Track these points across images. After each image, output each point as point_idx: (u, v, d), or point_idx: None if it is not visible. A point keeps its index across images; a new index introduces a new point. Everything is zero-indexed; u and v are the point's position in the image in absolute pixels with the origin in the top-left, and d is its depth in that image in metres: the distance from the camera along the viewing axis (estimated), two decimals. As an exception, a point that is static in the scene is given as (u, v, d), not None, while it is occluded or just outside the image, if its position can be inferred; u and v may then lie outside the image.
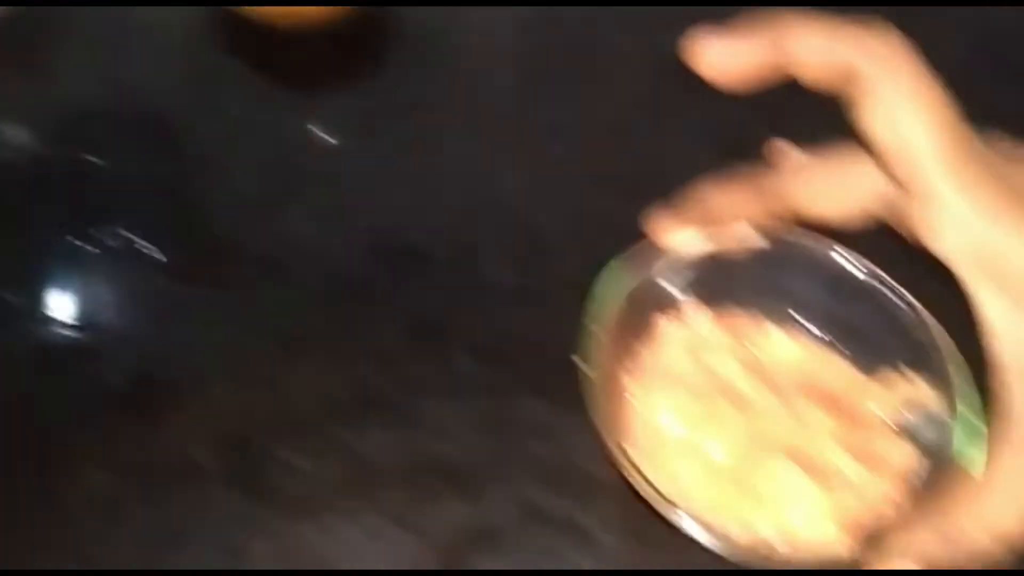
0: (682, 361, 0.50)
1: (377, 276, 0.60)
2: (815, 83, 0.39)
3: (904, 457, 0.46)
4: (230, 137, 0.67)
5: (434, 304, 0.58)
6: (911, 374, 0.48)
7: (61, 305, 0.57)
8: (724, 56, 0.39)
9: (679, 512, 0.42)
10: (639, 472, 0.43)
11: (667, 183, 0.63)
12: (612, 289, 0.48)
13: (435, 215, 0.64)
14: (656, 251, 0.49)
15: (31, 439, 0.52)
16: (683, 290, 0.51)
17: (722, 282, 0.52)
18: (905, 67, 0.37)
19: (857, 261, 0.50)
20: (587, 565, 0.47)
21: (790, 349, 0.51)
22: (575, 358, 0.46)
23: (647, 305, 0.51)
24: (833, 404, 0.49)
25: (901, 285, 0.49)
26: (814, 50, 0.38)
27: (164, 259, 0.59)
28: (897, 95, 0.37)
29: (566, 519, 0.49)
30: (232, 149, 0.66)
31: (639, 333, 0.51)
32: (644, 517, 0.47)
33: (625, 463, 0.43)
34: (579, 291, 0.55)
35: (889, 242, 0.52)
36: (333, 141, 0.68)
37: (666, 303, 0.51)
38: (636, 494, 0.43)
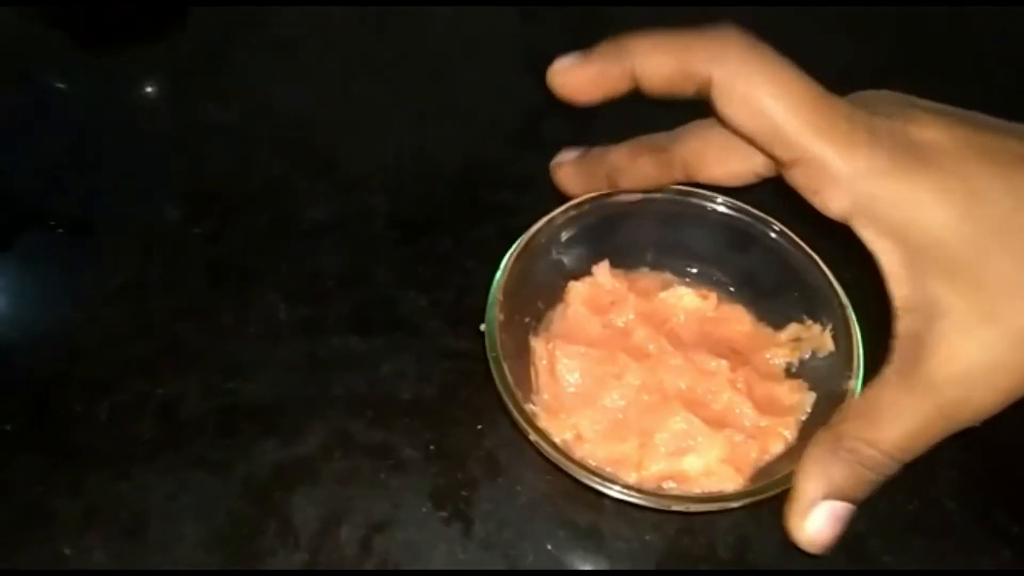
0: (586, 319, 0.51)
1: (183, 225, 0.60)
2: (666, 95, 0.41)
3: (798, 399, 0.48)
4: (35, 103, 0.67)
5: (242, 248, 0.58)
6: (808, 321, 0.50)
7: None
8: (577, 79, 0.43)
9: (576, 467, 0.43)
10: (537, 430, 0.44)
11: (481, 116, 0.68)
12: (516, 257, 0.49)
13: (242, 160, 0.64)
14: (560, 219, 0.51)
15: None
16: (587, 253, 0.53)
17: (628, 244, 0.53)
18: (753, 58, 0.38)
19: (754, 215, 0.51)
20: (396, 484, 0.48)
21: (693, 302, 0.52)
22: (481, 328, 0.47)
23: (554, 270, 0.52)
24: (732, 353, 0.50)
25: (797, 236, 0.50)
26: (658, 66, 0.41)
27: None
28: (750, 84, 0.38)
29: (378, 445, 0.50)
30: (40, 114, 0.66)
31: (545, 297, 0.52)
32: (447, 434, 0.51)
33: (524, 423, 0.44)
34: (386, 223, 0.60)
35: (782, 196, 0.54)
36: (141, 93, 0.69)
37: (573, 268, 0.52)
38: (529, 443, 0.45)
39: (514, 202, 0.61)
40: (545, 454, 0.43)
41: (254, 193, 0.61)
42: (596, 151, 0.48)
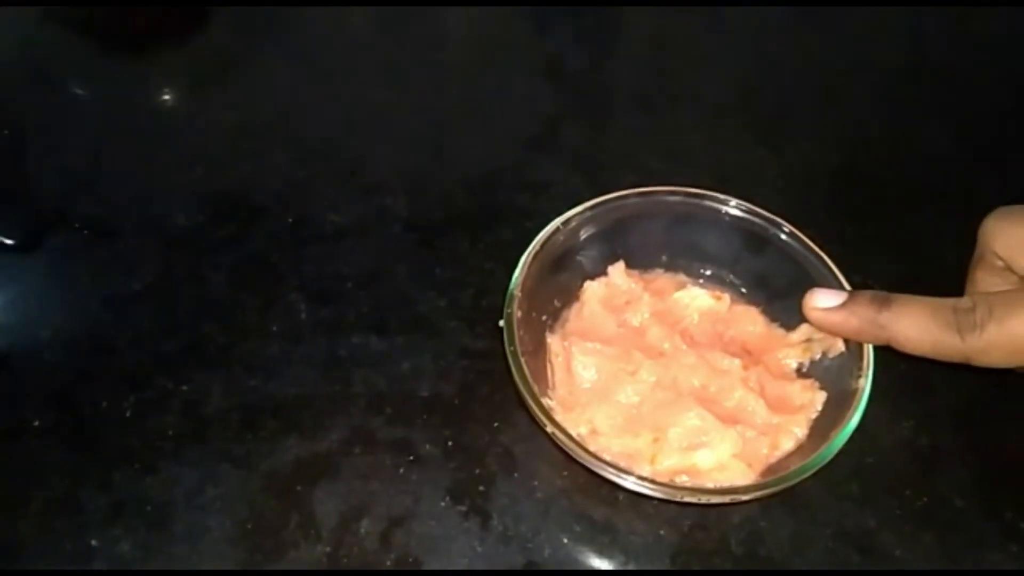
0: (601, 317, 0.52)
1: (204, 227, 0.61)
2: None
3: (809, 398, 0.48)
4: (61, 107, 0.68)
5: (264, 250, 0.60)
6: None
7: None
8: (833, 323, 0.46)
9: (592, 459, 0.44)
10: (553, 422, 0.45)
11: (493, 122, 0.69)
12: (535, 256, 0.50)
13: (264, 164, 0.65)
14: (577, 220, 0.52)
15: None
16: (603, 254, 0.54)
17: (644, 245, 0.54)
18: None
19: (766, 217, 0.52)
20: (415, 479, 0.49)
21: (706, 303, 0.53)
22: (500, 323, 0.48)
23: (571, 270, 0.53)
24: (745, 352, 0.51)
25: (810, 240, 0.52)
26: (915, 344, 0.44)
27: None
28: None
29: (398, 440, 0.51)
30: (63, 118, 0.67)
31: (563, 296, 0.53)
32: (465, 430, 0.52)
33: (541, 416, 0.45)
34: (405, 226, 0.61)
35: (798, 200, 0.55)
36: (165, 98, 0.70)
37: (590, 267, 0.54)
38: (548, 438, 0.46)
39: (531, 206, 0.62)
40: (561, 446, 0.44)
41: (276, 196, 0.63)
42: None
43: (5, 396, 0.52)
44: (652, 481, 0.44)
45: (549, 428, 0.45)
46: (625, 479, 0.43)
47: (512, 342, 0.47)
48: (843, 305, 0.46)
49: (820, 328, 0.48)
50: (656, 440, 0.47)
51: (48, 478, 0.49)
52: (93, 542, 0.47)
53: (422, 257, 0.59)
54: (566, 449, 0.45)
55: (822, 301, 0.46)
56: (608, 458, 0.44)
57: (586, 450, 0.44)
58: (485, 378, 0.54)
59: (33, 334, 0.55)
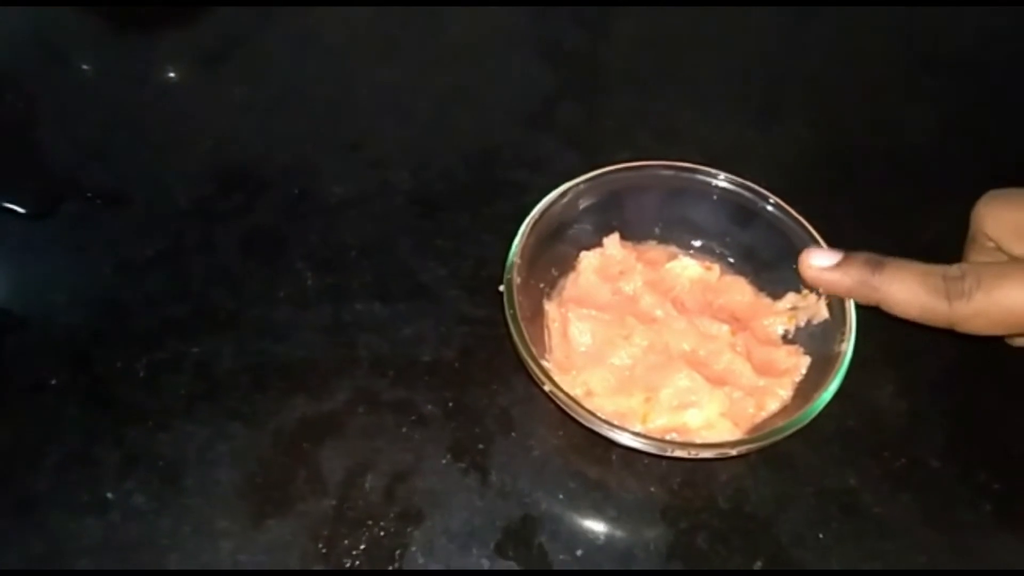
0: (596, 286, 0.54)
1: (213, 197, 0.63)
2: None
3: (794, 362, 0.51)
4: (73, 84, 0.71)
5: (271, 220, 0.62)
6: (804, 291, 0.53)
7: None
8: (828, 280, 0.48)
9: (587, 415, 0.46)
10: (551, 381, 0.47)
11: (492, 100, 0.71)
12: (533, 225, 0.53)
13: (271, 139, 0.67)
14: (573, 192, 0.54)
15: None
16: (602, 226, 0.56)
17: (638, 217, 0.57)
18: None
19: (754, 190, 0.55)
20: (417, 438, 0.52)
21: (696, 273, 0.55)
22: (500, 289, 0.51)
23: (567, 240, 0.55)
24: (733, 319, 0.53)
25: (796, 212, 0.54)
26: (905, 307, 0.45)
27: (11, 202, 0.61)
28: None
29: (401, 401, 0.53)
30: (76, 94, 0.70)
31: (560, 265, 0.56)
32: (465, 393, 0.54)
33: (540, 375, 0.48)
34: (407, 199, 0.63)
35: (785, 178, 0.57)
36: (171, 75, 0.73)
37: (585, 238, 0.56)
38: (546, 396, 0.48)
39: (528, 180, 0.64)
40: (559, 403, 0.47)
41: (283, 169, 0.65)
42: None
43: (23, 356, 0.54)
44: (645, 436, 0.46)
45: (547, 387, 0.47)
46: (620, 435, 0.46)
47: (512, 306, 0.49)
48: (838, 265, 0.48)
49: (815, 285, 0.49)
50: (648, 400, 0.49)
51: (64, 434, 0.51)
52: (108, 494, 0.49)
53: (423, 229, 0.62)
54: (563, 407, 0.47)
55: (818, 260, 0.48)
56: (603, 416, 0.47)
57: (583, 407, 0.46)
58: (484, 343, 0.56)
59: (49, 297, 0.57)
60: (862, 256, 0.47)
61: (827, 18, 0.79)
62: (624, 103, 0.72)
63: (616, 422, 0.47)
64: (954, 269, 0.45)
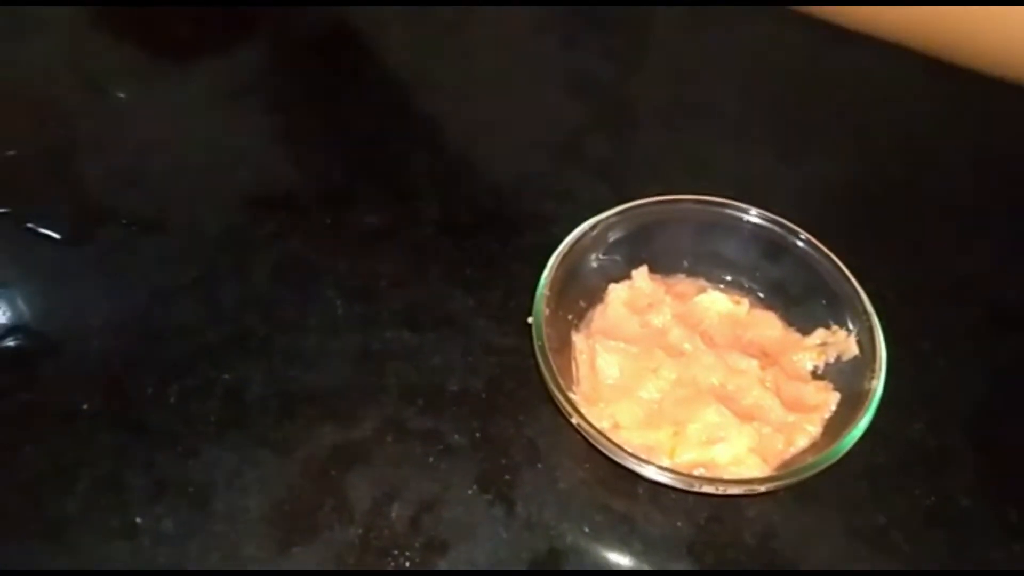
0: (624, 318, 0.54)
1: (246, 225, 0.64)
2: None
3: (823, 398, 0.51)
4: (110, 112, 0.71)
5: (303, 249, 0.62)
6: (834, 326, 0.53)
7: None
8: None
9: (615, 448, 0.47)
10: (579, 413, 0.48)
11: (521, 132, 0.72)
12: (563, 257, 0.53)
13: (304, 168, 0.68)
14: (603, 225, 0.55)
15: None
16: (631, 258, 0.56)
17: (667, 251, 0.57)
18: None
19: (784, 226, 0.55)
20: (444, 467, 0.52)
21: (726, 307, 0.55)
22: (528, 320, 0.51)
23: (596, 272, 0.56)
24: (762, 354, 0.53)
25: (825, 247, 0.54)
26: None
27: (48, 228, 0.62)
28: None
29: (428, 430, 0.53)
30: (112, 122, 0.71)
31: (588, 297, 0.56)
32: (492, 423, 0.54)
33: (567, 407, 0.48)
34: (437, 228, 0.64)
35: (814, 212, 0.57)
36: (208, 102, 0.73)
37: (614, 270, 0.56)
38: (572, 428, 0.48)
39: (556, 212, 0.65)
40: (586, 436, 0.47)
41: (315, 198, 0.65)
42: None
43: (57, 381, 0.55)
44: (673, 471, 0.46)
45: (575, 419, 0.47)
46: (647, 469, 0.46)
47: (540, 338, 0.49)
48: None
49: None
50: (676, 434, 0.49)
51: (96, 458, 0.52)
52: (137, 519, 0.50)
53: (453, 258, 0.62)
54: (591, 440, 0.47)
55: None
56: (630, 450, 0.47)
57: (611, 440, 0.46)
58: (511, 374, 0.56)
59: (83, 323, 0.57)
60: None
61: (857, 48, 0.79)
62: (653, 135, 0.73)
63: (644, 456, 0.47)
64: None
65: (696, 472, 0.48)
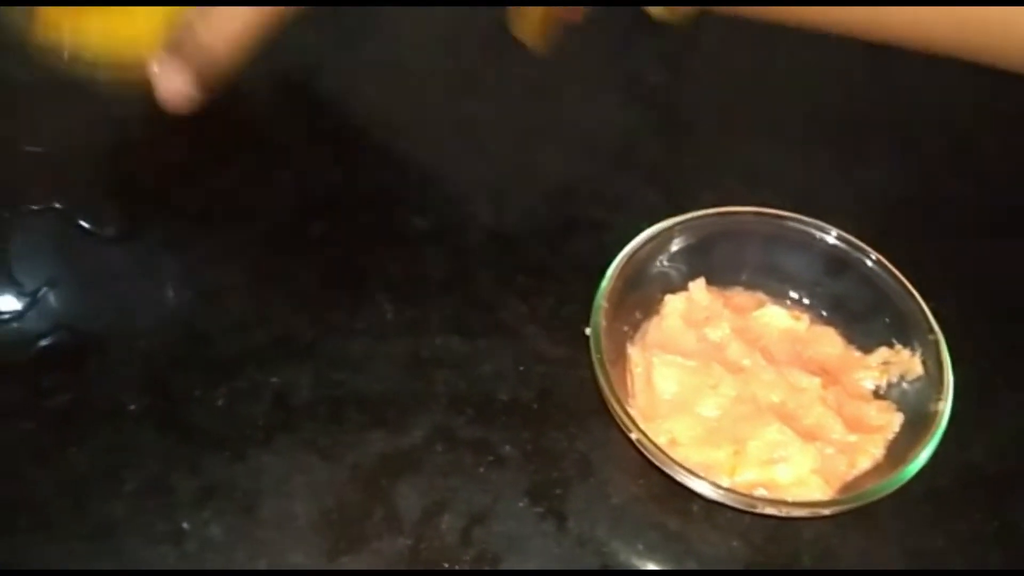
0: (681, 331, 0.53)
1: (296, 225, 0.63)
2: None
3: (886, 419, 0.49)
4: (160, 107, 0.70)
5: (353, 251, 0.61)
6: (897, 346, 0.52)
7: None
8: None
9: (675, 465, 0.46)
10: (640, 430, 0.47)
11: (573, 137, 0.71)
12: (622, 267, 0.52)
13: (353, 169, 0.67)
14: (664, 235, 0.54)
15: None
16: (688, 270, 0.55)
17: (725, 263, 0.56)
18: None
19: (851, 243, 0.54)
20: (495, 479, 0.51)
21: (785, 322, 0.54)
22: (586, 331, 0.50)
23: (653, 283, 0.54)
24: (823, 372, 0.52)
25: (892, 265, 0.53)
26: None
27: (96, 224, 0.61)
28: None
29: (478, 440, 0.52)
30: (163, 117, 0.68)
31: (644, 308, 0.55)
32: (543, 435, 0.53)
33: (628, 422, 0.47)
34: (488, 233, 0.63)
35: (870, 224, 0.56)
36: (262, 101, 0.72)
37: (671, 282, 0.55)
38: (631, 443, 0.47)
39: (608, 219, 0.63)
40: (646, 452, 0.46)
41: (364, 200, 0.64)
42: None
43: (102, 380, 0.54)
44: (734, 491, 0.45)
45: (634, 435, 0.46)
46: (707, 488, 0.45)
47: (599, 350, 0.48)
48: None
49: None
50: (737, 453, 0.48)
51: (142, 461, 0.51)
52: (184, 524, 0.49)
53: (503, 264, 0.61)
54: (650, 456, 0.46)
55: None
56: (691, 466, 0.46)
57: (671, 458, 0.45)
58: (562, 384, 0.55)
59: (129, 322, 0.57)
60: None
61: (913, 58, 0.77)
62: (706, 142, 0.71)
63: (703, 474, 0.45)
64: None
65: (756, 492, 0.47)
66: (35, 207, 0.62)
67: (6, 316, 0.57)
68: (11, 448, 0.52)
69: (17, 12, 0.56)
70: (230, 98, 0.69)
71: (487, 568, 0.48)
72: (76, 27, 0.56)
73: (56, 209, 0.62)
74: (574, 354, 0.56)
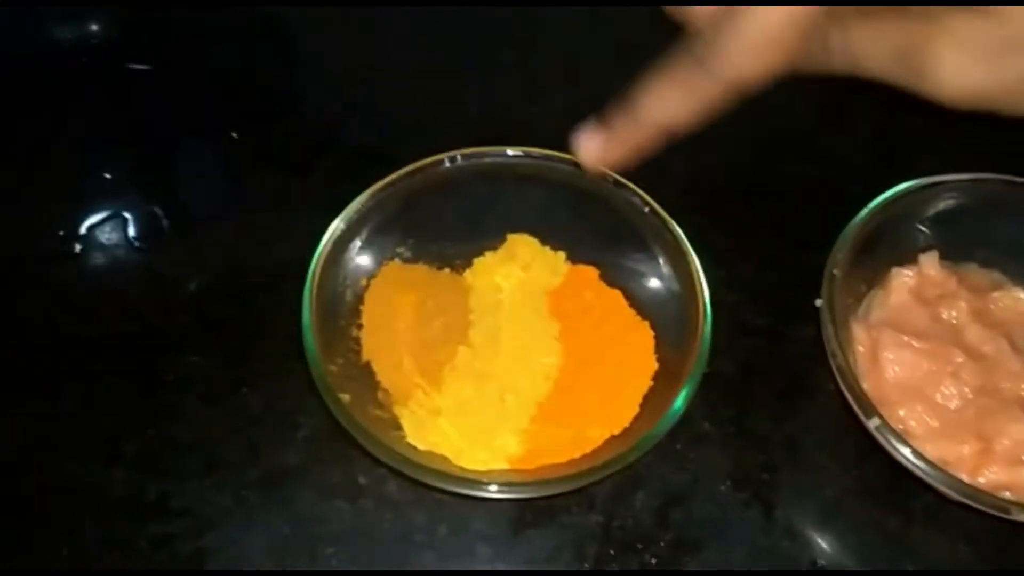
0: (911, 309, 0.47)
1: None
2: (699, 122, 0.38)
3: None
4: (329, 33, 0.67)
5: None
6: None
7: (166, 200, 0.57)
8: (605, 152, 0.41)
9: (912, 459, 0.40)
10: (881, 416, 0.41)
11: (785, 89, 0.60)
12: (854, 236, 0.46)
13: (535, 106, 0.63)
14: (896, 203, 0.48)
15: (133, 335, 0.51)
16: (916, 241, 0.49)
17: (962, 236, 0.50)
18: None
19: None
20: (694, 457, 0.47)
21: (1028, 307, 0.48)
22: (816, 303, 0.45)
23: (879, 254, 0.49)
24: (1075, 365, 0.46)
25: None
26: (672, 112, 0.38)
27: (258, 149, 0.59)
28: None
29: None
30: (332, 43, 0.66)
31: (870, 280, 0.49)
32: (746, 412, 0.49)
33: (868, 406, 0.42)
34: (684, 189, 0.56)
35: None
36: (440, 33, 0.68)
37: (900, 253, 0.49)
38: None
39: (818, 179, 0.58)
40: (884, 442, 0.41)
41: (549, 142, 0.59)
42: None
43: (276, 317, 0.51)
44: (980, 492, 0.40)
45: (874, 422, 0.41)
46: (947, 487, 0.40)
47: (834, 325, 0.43)
48: (604, 133, 0.41)
49: (602, 165, 0.43)
50: (984, 451, 0.42)
51: (317, 406, 0.47)
52: (361, 479, 0.46)
53: (700, 226, 0.55)
54: (889, 446, 0.41)
55: (587, 143, 0.42)
56: (930, 461, 0.40)
57: (916, 450, 0.40)
58: (766, 358, 0.51)
59: (302, 256, 0.53)
60: (613, 109, 0.40)
61: None
62: (927, 103, 0.65)
63: (942, 470, 0.40)
64: (692, 38, 0.36)
65: (1002, 495, 0.42)
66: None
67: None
68: (177, 384, 0.49)
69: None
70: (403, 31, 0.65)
71: (688, 554, 0.44)
72: None
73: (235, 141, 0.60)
74: (778, 324, 0.52)
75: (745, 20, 0.34)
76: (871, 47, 0.36)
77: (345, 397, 0.42)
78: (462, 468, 0.43)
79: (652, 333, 0.48)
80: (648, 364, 0.46)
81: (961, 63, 0.34)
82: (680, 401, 0.41)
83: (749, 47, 0.34)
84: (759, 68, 0.35)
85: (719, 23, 0.35)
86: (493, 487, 0.40)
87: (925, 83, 0.35)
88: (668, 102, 0.38)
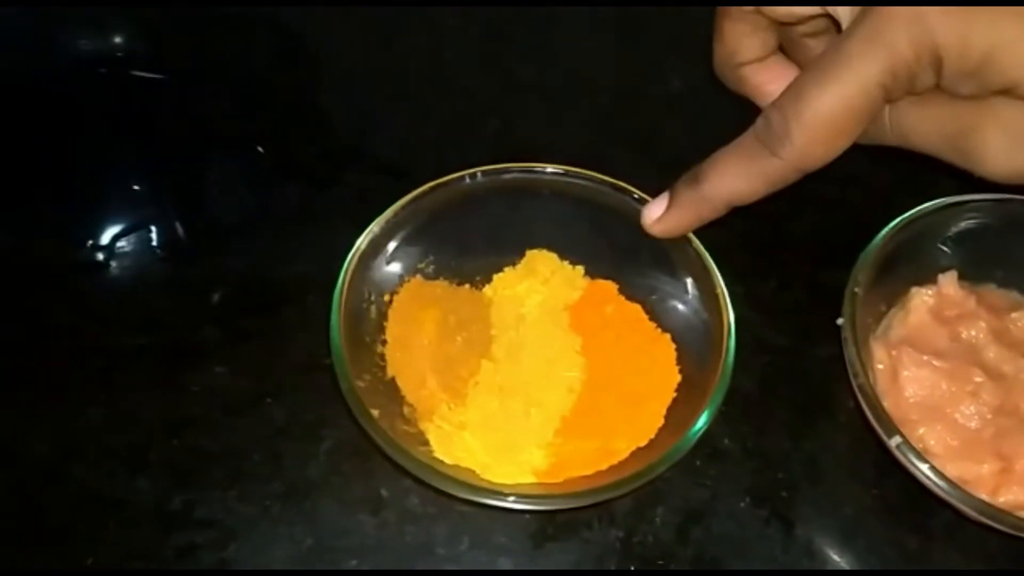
0: (931, 328, 0.48)
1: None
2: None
3: None
4: (354, 48, 0.68)
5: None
6: None
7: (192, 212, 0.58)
8: (664, 222, 0.44)
9: (933, 479, 0.41)
10: (902, 435, 0.41)
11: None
12: (875, 254, 0.47)
13: (553, 122, 0.64)
14: (916, 223, 0.48)
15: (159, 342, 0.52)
16: (934, 261, 0.50)
17: (982, 256, 0.50)
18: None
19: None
20: (713, 473, 0.47)
21: (1048, 329, 0.48)
22: (838, 322, 0.45)
23: (898, 273, 0.49)
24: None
25: None
26: (740, 191, 0.40)
27: (295, 169, 0.60)
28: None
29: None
30: (357, 59, 0.67)
31: (889, 300, 0.50)
32: (765, 430, 0.49)
33: (889, 426, 0.42)
34: None
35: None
36: (464, 50, 0.69)
37: (919, 273, 0.50)
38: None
39: (837, 197, 0.58)
40: (905, 461, 0.41)
41: (570, 159, 0.60)
42: None
43: (301, 331, 0.52)
44: (1001, 512, 0.40)
45: (895, 440, 0.41)
46: (967, 506, 0.40)
47: (856, 344, 0.43)
48: (670, 204, 0.44)
49: (664, 236, 0.45)
50: (1004, 471, 0.43)
51: (340, 418, 0.48)
52: (383, 491, 0.46)
53: (719, 244, 0.56)
54: (910, 465, 0.41)
55: (653, 212, 0.45)
56: (952, 481, 0.41)
57: (938, 470, 0.40)
58: (785, 376, 0.51)
59: (328, 269, 0.54)
60: (681, 182, 0.43)
61: None
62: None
63: (963, 490, 0.40)
64: (759, 121, 0.38)
65: (1022, 515, 0.42)
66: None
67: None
68: (201, 395, 0.50)
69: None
70: (421, 48, 0.65)
71: (707, 570, 0.44)
72: None
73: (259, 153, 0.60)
74: (798, 343, 0.52)
75: (809, 111, 0.35)
76: (921, 127, 0.37)
77: (375, 412, 0.42)
78: (490, 482, 0.43)
79: (674, 345, 0.48)
80: (671, 376, 0.47)
81: (1006, 148, 0.35)
82: (705, 416, 0.42)
83: (816, 138, 0.36)
84: (826, 155, 0.37)
85: (783, 108, 0.36)
86: (522, 499, 0.40)
87: (972, 163, 0.36)
88: (735, 179, 0.40)
